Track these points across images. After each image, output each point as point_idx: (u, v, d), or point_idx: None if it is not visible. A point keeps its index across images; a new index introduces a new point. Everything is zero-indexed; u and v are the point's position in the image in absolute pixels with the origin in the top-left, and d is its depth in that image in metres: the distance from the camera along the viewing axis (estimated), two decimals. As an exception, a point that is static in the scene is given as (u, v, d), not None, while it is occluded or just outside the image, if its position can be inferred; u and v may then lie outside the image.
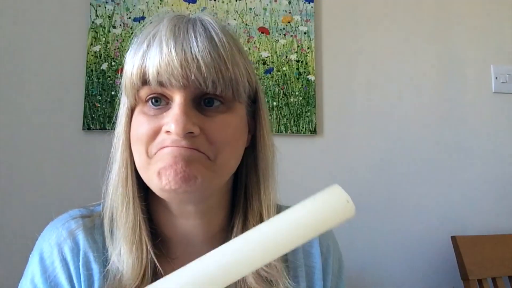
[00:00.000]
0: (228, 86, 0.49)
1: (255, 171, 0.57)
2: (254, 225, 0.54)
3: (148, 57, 0.48)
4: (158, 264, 0.52)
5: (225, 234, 0.58)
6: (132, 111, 0.53)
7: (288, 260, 0.58)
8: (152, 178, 0.49)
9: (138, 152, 0.51)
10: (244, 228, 0.56)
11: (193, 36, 0.48)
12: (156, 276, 0.52)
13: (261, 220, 0.56)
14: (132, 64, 0.50)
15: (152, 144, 0.49)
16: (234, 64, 0.50)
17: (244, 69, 0.52)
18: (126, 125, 0.53)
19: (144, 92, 0.50)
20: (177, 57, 0.47)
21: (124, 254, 0.51)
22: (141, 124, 0.50)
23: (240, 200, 0.57)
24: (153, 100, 0.50)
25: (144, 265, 0.51)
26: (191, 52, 0.47)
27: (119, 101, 0.56)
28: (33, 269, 0.54)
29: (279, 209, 0.62)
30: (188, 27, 0.49)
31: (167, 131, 0.48)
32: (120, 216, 0.52)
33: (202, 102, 0.50)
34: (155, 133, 0.49)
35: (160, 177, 0.48)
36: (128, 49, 0.53)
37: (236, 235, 0.55)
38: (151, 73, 0.48)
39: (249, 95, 0.55)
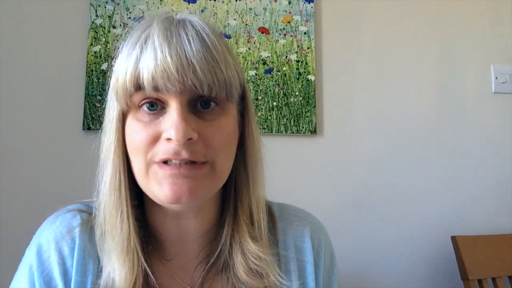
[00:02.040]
0: (223, 88, 0.49)
1: (244, 166, 0.57)
2: (244, 220, 0.56)
3: (141, 62, 0.47)
4: (149, 271, 0.53)
5: (216, 229, 0.59)
6: (123, 117, 0.52)
7: (279, 255, 0.59)
8: (153, 189, 0.50)
9: (137, 161, 0.50)
10: (235, 222, 0.57)
11: (185, 39, 0.48)
12: (147, 281, 0.53)
13: (250, 215, 0.57)
14: (125, 69, 0.49)
15: (151, 151, 0.49)
16: (227, 65, 0.50)
17: (234, 69, 0.52)
18: (118, 131, 0.52)
19: (138, 98, 0.49)
20: (172, 62, 0.46)
21: (116, 264, 0.51)
22: (138, 132, 0.49)
23: (230, 196, 0.58)
24: (148, 105, 0.49)
25: (135, 273, 0.51)
26: (186, 57, 0.47)
27: (105, 106, 0.55)
28: (30, 260, 0.54)
29: (269, 205, 0.63)
30: (180, 30, 0.49)
31: (168, 139, 0.47)
32: (114, 226, 0.52)
33: (198, 104, 0.50)
34: (154, 140, 0.49)
35: (163, 190, 0.49)
36: (117, 54, 0.52)
37: (227, 230, 0.57)
38: (146, 78, 0.47)
39: (239, 94, 0.55)
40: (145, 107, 0.49)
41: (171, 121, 0.47)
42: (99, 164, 0.54)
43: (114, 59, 0.52)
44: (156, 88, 0.47)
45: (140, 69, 0.47)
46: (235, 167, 0.57)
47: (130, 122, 0.51)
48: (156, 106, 0.49)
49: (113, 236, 0.52)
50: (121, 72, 0.49)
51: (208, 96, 0.49)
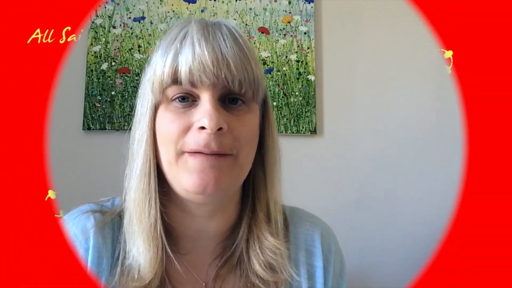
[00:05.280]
0: (251, 85, 0.52)
1: (262, 167, 0.59)
2: (262, 216, 0.58)
3: (180, 56, 0.50)
4: (173, 259, 0.55)
5: (233, 227, 0.60)
6: (155, 109, 0.54)
7: (290, 257, 0.60)
8: (180, 178, 0.52)
9: (166, 151, 0.52)
10: (253, 217, 0.59)
11: (221, 37, 0.52)
12: (166, 270, 0.55)
13: (268, 212, 0.59)
14: (163, 63, 0.51)
15: (182, 141, 0.51)
16: (256, 65, 0.54)
17: (261, 71, 0.56)
18: (150, 122, 0.54)
19: (172, 91, 0.52)
20: (209, 56, 0.49)
21: (142, 248, 0.53)
22: (170, 122, 0.52)
23: (249, 194, 0.60)
24: (179, 98, 0.52)
25: (159, 259, 0.54)
26: (221, 53, 0.50)
27: (137, 101, 0.58)
28: None
29: (284, 209, 0.64)
30: (215, 29, 0.53)
31: (201, 127, 0.49)
32: (142, 211, 0.54)
33: (227, 100, 0.53)
34: (185, 130, 0.51)
35: (191, 178, 0.50)
36: (155, 51, 0.55)
37: (245, 224, 0.59)
38: (184, 71, 0.50)
39: (262, 96, 0.58)
40: (177, 100, 0.52)
41: (204, 111, 0.50)
42: (129, 154, 0.57)
43: (151, 55, 0.56)
44: (192, 83, 0.50)
45: (179, 62, 0.50)
46: (253, 167, 0.59)
47: (162, 113, 0.53)
48: (187, 99, 0.52)
49: (140, 221, 0.54)
50: (159, 65, 0.52)
51: (238, 92, 0.52)
